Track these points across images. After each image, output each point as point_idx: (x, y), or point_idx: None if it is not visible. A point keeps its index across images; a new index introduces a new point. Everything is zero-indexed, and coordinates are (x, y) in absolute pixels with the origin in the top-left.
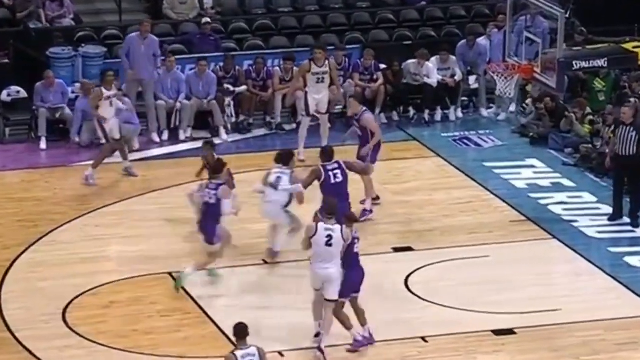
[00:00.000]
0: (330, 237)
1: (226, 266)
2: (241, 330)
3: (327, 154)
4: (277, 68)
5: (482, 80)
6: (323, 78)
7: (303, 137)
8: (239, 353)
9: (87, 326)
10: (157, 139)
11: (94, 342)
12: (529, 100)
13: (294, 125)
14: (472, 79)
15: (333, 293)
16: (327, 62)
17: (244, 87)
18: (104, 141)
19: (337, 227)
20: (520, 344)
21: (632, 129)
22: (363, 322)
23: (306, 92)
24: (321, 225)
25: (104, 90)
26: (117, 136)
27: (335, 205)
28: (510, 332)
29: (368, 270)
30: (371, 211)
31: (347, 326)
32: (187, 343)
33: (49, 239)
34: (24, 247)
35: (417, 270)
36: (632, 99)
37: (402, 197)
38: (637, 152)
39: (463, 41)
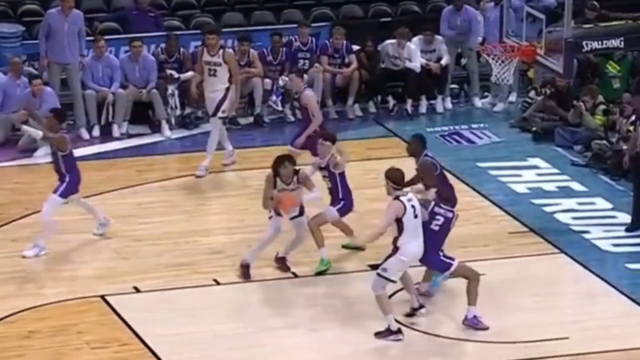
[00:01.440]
0: (413, 207)
1: (173, 287)
2: None
3: (424, 144)
4: (231, 50)
5: (474, 60)
6: (215, 70)
7: (214, 143)
8: None
9: None
10: (87, 136)
11: None
12: (532, 93)
13: (251, 119)
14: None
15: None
16: (221, 51)
17: (190, 74)
18: None
19: (414, 197)
20: None
21: None
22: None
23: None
24: (404, 198)
25: None
26: None
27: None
28: None
29: (338, 292)
30: None
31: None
32: None
33: None
34: None
35: (398, 291)
36: None
37: (381, 204)
38: None
39: (449, 6)
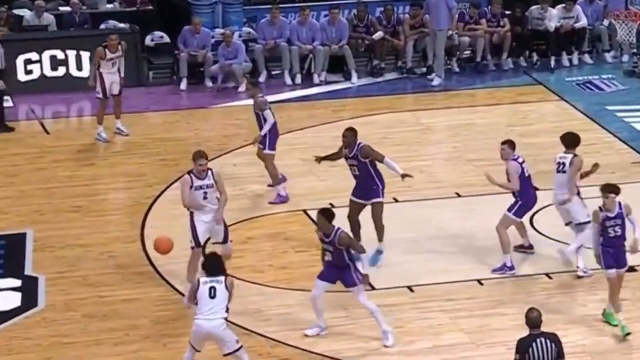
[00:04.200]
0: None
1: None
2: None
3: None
4: (407, 15)
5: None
6: (206, 193)
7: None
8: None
9: None
10: (289, 82)
11: (231, 276)
12: None
13: (424, 69)
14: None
15: None
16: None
17: (379, 34)
18: (101, 95)
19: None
20: None
21: None
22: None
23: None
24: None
25: (107, 52)
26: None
27: None
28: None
29: (495, 208)
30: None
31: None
32: None
33: None
34: (165, 185)
35: (542, 208)
36: None
37: (527, 139)
38: None
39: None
